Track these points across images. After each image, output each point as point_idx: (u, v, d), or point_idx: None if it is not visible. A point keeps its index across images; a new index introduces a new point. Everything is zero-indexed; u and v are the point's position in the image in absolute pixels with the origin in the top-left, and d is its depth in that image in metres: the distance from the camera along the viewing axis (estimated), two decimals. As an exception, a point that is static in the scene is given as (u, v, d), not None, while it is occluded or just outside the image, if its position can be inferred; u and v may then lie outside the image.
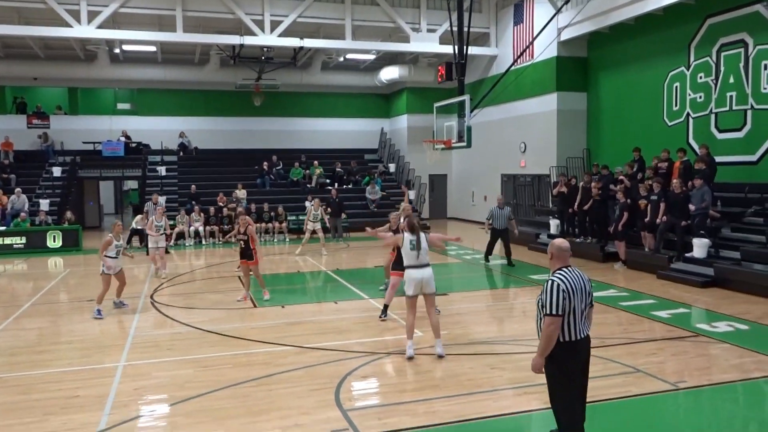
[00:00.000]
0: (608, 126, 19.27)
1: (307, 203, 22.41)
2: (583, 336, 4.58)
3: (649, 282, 12.51)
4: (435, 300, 7.85)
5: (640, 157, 15.85)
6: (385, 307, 9.71)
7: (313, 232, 17.78)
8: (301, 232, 19.88)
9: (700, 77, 15.64)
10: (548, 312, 4.43)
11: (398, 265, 9.49)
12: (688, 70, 16.04)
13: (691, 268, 12.45)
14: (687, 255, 12.76)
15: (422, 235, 7.71)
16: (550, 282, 4.50)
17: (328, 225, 19.30)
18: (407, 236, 7.68)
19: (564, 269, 4.58)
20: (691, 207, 12.68)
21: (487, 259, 15.51)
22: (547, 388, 4.77)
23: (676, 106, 16.46)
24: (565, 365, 4.54)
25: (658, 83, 16.95)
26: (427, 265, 7.65)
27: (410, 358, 7.52)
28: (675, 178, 13.46)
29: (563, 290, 4.43)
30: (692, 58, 15.89)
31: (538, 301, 4.59)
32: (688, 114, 16.08)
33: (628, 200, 14.08)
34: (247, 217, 12.04)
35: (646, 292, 11.47)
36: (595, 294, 11.58)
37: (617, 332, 8.78)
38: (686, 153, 14.56)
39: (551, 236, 17.50)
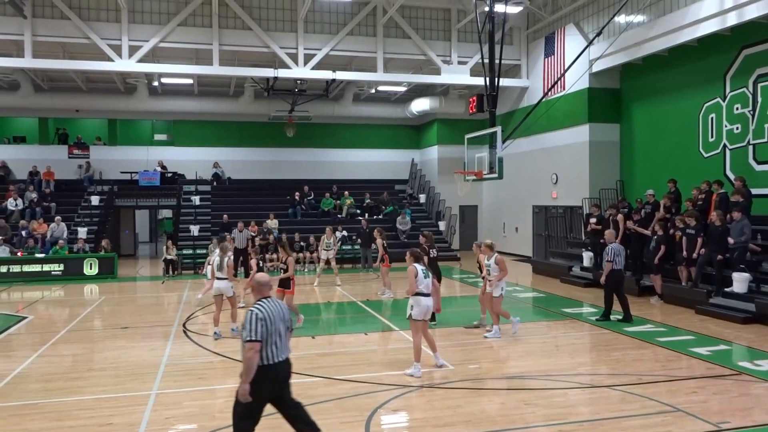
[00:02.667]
0: (642, 157, 19.03)
1: (337, 233, 22.54)
2: (282, 359, 5.08)
3: (687, 317, 12.16)
4: None
5: (676, 189, 15.58)
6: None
7: (327, 261, 17.82)
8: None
9: (737, 108, 15.40)
10: (248, 338, 4.88)
11: None
12: (724, 101, 15.81)
13: (731, 303, 12.08)
14: (726, 290, 12.40)
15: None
16: (249, 312, 4.98)
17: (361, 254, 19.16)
18: (418, 267, 8.35)
19: (263, 300, 5.11)
20: (730, 240, 12.37)
21: (607, 317, 11.70)
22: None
23: (712, 137, 16.20)
24: (257, 385, 4.92)
25: (693, 114, 16.73)
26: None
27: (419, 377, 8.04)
28: (713, 211, 13.17)
29: (261, 318, 4.92)
30: (728, 89, 15.68)
31: (241, 332, 4.97)
32: (724, 145, 15.80)
33: (666, 233, 13.81)
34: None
35: (685, 328, 11.15)
36: (630, 329, 11.29)
37: (655, 369, 8.53)
38: (723, 185, 14.25)
39: (584, 269, 17.24)
